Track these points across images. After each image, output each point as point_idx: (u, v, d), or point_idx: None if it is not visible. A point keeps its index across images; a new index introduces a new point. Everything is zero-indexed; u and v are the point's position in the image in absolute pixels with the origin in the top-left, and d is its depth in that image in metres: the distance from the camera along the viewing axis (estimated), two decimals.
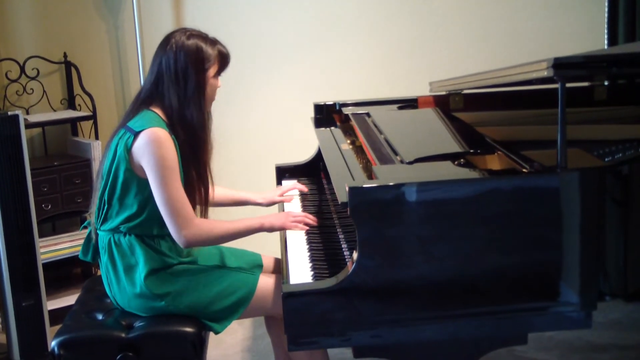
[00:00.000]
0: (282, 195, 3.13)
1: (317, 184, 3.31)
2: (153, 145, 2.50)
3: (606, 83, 3.30)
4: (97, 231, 2.69)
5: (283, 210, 3.07)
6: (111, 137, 2.64)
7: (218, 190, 2.95)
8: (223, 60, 2.67)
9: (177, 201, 2.52)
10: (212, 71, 2.63)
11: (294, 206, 3.08)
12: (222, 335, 2.97)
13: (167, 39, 2.63)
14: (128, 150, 2.54)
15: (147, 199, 2.57)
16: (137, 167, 2.55)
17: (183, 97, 2.59)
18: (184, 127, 2.60)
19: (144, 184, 2.56)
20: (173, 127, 2.59)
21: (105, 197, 2.62)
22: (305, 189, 3.16)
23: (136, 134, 2.53)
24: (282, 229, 2.75)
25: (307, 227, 2.75)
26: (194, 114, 2.60)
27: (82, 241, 2.79)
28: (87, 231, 2.77)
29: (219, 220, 2.66)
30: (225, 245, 2.92)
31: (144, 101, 2.65)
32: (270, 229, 2.73)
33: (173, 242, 2.65)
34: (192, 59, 2.59)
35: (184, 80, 2.59)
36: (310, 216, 2.77)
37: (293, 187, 3.17)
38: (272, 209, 3.17)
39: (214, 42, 2.66)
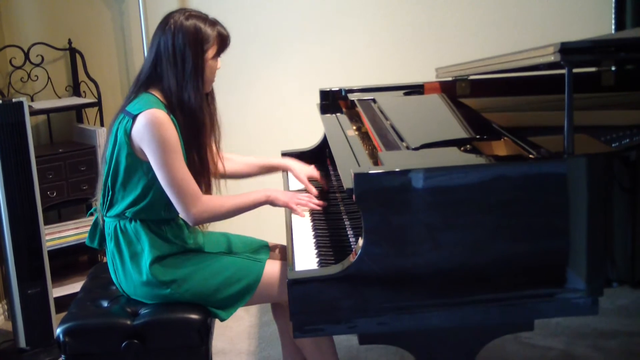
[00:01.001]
0: (309, 177, 3.02)
1: (323, 170, 3.30)
2: (152, 127, 2.49)
3: (613, 68, 3.28)
4: (104, 217, 2.68)
5: (288, 188, 3.06)
6: (112, 122, 2.64)
7: (239, 159, 2.94)
8: (222, 41, 2.64)
9: (182, 180, 2.52)
10: (210, 52, 2.61)
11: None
12: (228, 322, 2.96)
13: (166, 20, 2.61)
14: (128, 134, 2.53)
15: (150, 182, 2.57)
16: (138, 150, 2.54)
17: (181, 79, 2.57)
18: (182, 109, 2.59)
19: (146, 167, 2.55)
20: (172, 109, 2.58)
21: (109, 183, 2.61)
22: (325, 186, 3.07)
23: (134, 117, 2.52)
24: (285, 207, 2.75)
25: (303, 216, 2.73)
26: (191, 96, 2.58)
27: (87, 228, 2.79)
28: (93, 218, 2.77)
29: (225, 195, 2.66)
30: (232, 232, 2.92)
31: (143, 83, 2.64)
32: (273, 203, 2.73)
33: (179, 228, 2.65)
34: (191, 39, 2.56)
35: (182, 61, 2.57)
36: (315, 200, 2.76)
37: (319, 178, 3.06)
38: (277, 184, 3.15)
39: (213, 22, 2.63)
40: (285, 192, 2.77)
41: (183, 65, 2.57)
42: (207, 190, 2.68)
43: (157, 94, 2.60)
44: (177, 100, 2.58)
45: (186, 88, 2.57)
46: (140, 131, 2.50)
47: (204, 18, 2.62)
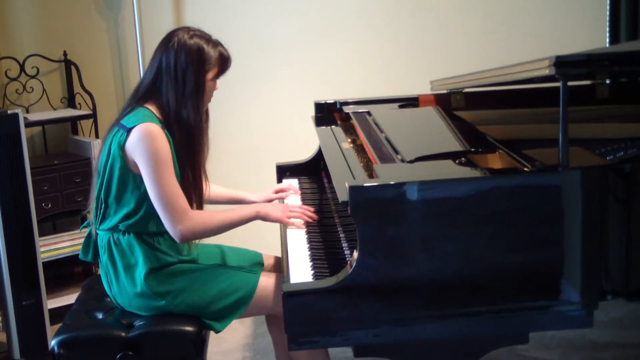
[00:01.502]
0: (276, 192, 3.10)
1: (318, 183, 3.31)
2: (145, 140, 2.49)
3: (608, 81, 3.30)
4: (97, 230, 2.68)
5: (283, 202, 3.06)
6: (106, 134, 2.64)
7: (213, 187, 2.94)
8: (223, 63, 2.65)
9: (171, 195, 2.51)
10: (211, 73, 2.62)
11: (295, 203, 3.07)
12: (223, 334, 2.96)
13: (170, 37, 2.62)
14: (122, 147, 2.53)
15: (143, 196, 2.56)
16: (131, 163, 2.54)
17: (181, 97, 2.58)
18: (180, 126, 2.59)
19: (139, 180, 2.55)
20: (169, 125, 2.58)
21: (102, 196, 2.61)
22: (298, 191, 3.13)
23: (129, 130, 2.52)
24: (277, 222, 2.74)
25: (303, 227, 2.74)
26: (190, 114, 2.58)
27: (82, 240, 2.79)
28: (87, 230, 2.77)
29: (214, 211, 2.65)
30: (226, 244, 2.92)
31: (141, 97, 2.64)
32: (264, 218, 2.72)
33: (172, 240, 2.64)
34: (193, 59, 2.57)
35: (183, 80, 2.57)
36: (309, 212, 2.76)
37: (288, 188, 3.14)
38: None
39: (216, 44, 2.64)
40: (274, 206, 2.77)
41: (184, 84, 2.57)
42: (198, 208, 2.68)
43: (153, 108, 2.60)
44: (175, 117, 2.58)
45: (185, 106, 2.58)
46: (133, 144, 2.51)
47: (207, 39, 2.62)
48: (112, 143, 2.56)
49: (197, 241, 2.74)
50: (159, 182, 2.50)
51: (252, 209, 2.70)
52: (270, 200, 3.07)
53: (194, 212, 2.60)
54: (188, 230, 2.55)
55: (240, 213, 2.67)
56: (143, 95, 2.64)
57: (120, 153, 2.54)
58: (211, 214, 2.63)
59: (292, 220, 2.73)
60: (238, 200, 3.07)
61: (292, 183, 3.33)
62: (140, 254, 2.58)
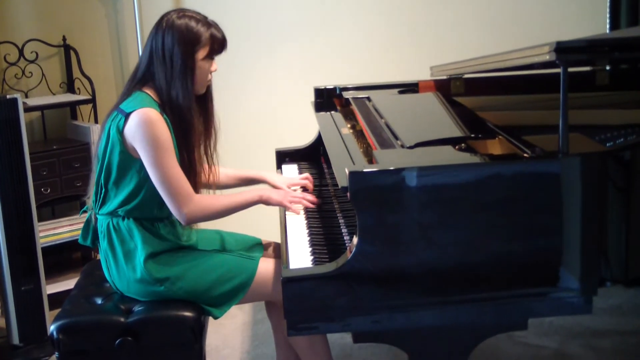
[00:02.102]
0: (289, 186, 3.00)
1: (318, 169, 3.30)
2: (144, 126, 2.48)
3: (608, 68, 3.29)
4: (96, 215, 2.68)
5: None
6: (105, 119, 2.63)
7: (224, 170, 2.94)
8: (215, 43, 2.62)
9: (174, 179, 2.51)
10: (201, 53, 2.59)
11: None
12: (222, 320, 2.97)
13: (161, 19, 2.61)
14: (120, 132, 2.53)
15: (143, 180, 2.56)
16: (130, 148, 2.54)
17: (170, 78, 2.57)
18: (171, 108, 2.58)
19: (139, 165, 2.55)
20: (164, 107, 2.58)
21: (102, 181, 2.61)
22: (311, 186, 3.04)
23: (127, 115, 2.52)
24: (278, 205, 2.74)
25: (299, 213, 2.73)
26: (179, 95, 2.57)
27: (81, 225, 2.79)
28: (86, 216, 2.76)
29: (218, 195, 2.66)
30: (226, 229, 2.92)
31: (138, 81, 2.63)
32: (267, 202, 2.72)
33: (172, 226, 2.65)
34: (180, 38, 2.55)
35: (170, 60, 2.56)
36: (309, 197, 2.76)
37: (304, 179, 3.04)
38: None
39: (208, 24, 2.61)
40: (278, 191, 2.77)
41: (172, 64, 2.56)
42: (195, 191, 2.67)
43: (151, 92, 2.60)
44: (167, 99, 2.58)
45: (174, 86, 2.57)
46: (132, 129, 2.50)
47: (198, 19, 2.60)
48: (111, 128, 2.56)
49: (196, 226, 2.74)
50: (161, 168, 2.50)
51: (255, 193, 2.70)
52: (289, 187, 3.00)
53: (199, 195, 2.61)
54: (193, 213, 2.55)
55: (244, 197, 2.68)
56: (140, 79, 2.63)
57: (119, 138, 2.53)
58: (216, 197, 2.64)
59: (292, 205, 2.72)
60: (252, 180, 3.05)
61: (292, 168, 3.33)
62: (140, 239, 2.58)
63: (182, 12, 2.60)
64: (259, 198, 2.70)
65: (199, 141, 2.68)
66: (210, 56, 2.62)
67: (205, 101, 2.73)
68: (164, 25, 2.57)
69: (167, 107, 2.57)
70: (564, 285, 2.20)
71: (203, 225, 2.77)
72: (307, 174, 3.04)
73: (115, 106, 2.61)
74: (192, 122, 2.61)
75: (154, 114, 2.50)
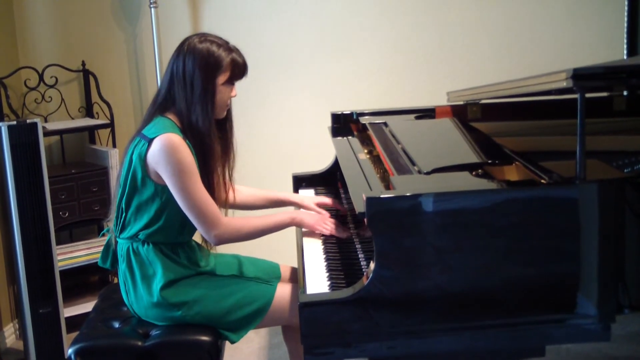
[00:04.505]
0: (317, 204, 3.01)
1: (334, 193, 3.31)
2: (167, 151, 2.49)
3: (625, 93, 3.28)
4: (117, 239, 2.69)
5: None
6: (127, 145, 2.65)
7: (245, 191, 2.95)
8: (236, 68, 2.63)
9: (202, 202, 2.53)
10: (222, 78, 2.60)
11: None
12: (239, 344, 2.97)
13: (182, 43, 2.63)
14: (142, 157, 2.54)
15: (164, 206, 2.57)
16: (153, 173, 2.55)
17: (190, 101, 2.58)
18: (192, 132, 2.59)
19: (160, 190, 2.56)
20: (185, 132, 2.59)
21: (123, 205, 2.62)
22: (343, 210, 3.04)
23: (150, 141, 2.53)
24: (311, 229, 2.75)
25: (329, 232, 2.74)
26: (199, 119, 2.58)
27: (99, 249, 2.81)
28: (106, 239, 2.78)
29: (249, 217, 2.66)
30: (243, 254, 2.93)
31: (159, 106, 2.65)
32: (299, 225, 2.74)
33: (191, 251, 2.65)
34: (201, 63, 2.57)
35: (191, 84, 2.57)
36: (340, 229, 2.76)
37: (329, 204, 3.04)
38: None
39: (229, 49, 2.63)
40: (312, 214, 2.78)
41: (192, 88, 2.57)
42: None
43: (173, 117, 2.61)
44: (187, 123, 2.59)
45: (194, 111, 2.58)
46: (155, 155, 2.51)
47: (219, 44, 2.61)
48: (134, 153, 2.57)
49: (214, 250, 2.75)
50: (188, 192, 2.51)
51: (287, 215, 2.71)
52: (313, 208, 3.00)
53: (228, 217, 2.62)
54: (222, 235, 2.57)
55: (275, 219, 2.69)
56: (161, 103, 2.65)
57: (142, 164, 2.54)
58: (246, 219, 2.64)
59: (324, 229, 2.72)
60: (279, 202, 3.05)
61: (309, 193, 3.33)
62: (159, 266, 2.59)
63: (203, 37, 2.62)
64: (290, 220, 2.71)
65: (217, 165, 2.69)
66: (230, 81, 2.64)
67: (224, 125, 2.74)
68: (185, 49, 2.59)
69: (188, 131, 2.59)
70: (582, 312, 2.19)
71: (221, 250, 2.78)
72: (322, 200, 3.04)
73: (138, 132, 2.62)
74: (212, 146, 2.62)
75: (176, 139, 2.51)
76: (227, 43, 2.64)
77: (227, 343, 2.71)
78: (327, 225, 2.75)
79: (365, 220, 2.13)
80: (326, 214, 2.86)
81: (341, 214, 2.99)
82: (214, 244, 2.60)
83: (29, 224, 3.54)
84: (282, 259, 3.08)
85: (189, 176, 2.50)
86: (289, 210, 2.77)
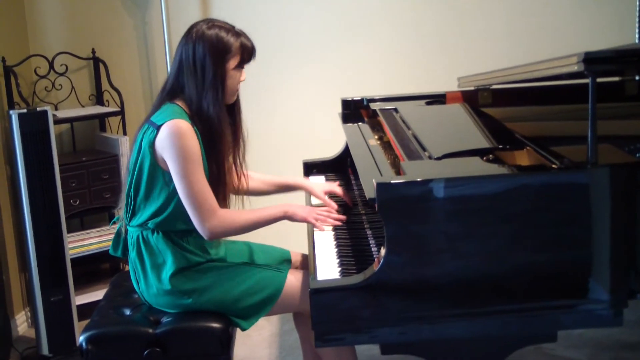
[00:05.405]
0: (325, 193, 2.97)
1: (345, 180, 3.30)
2: (174, 137, 2.49)
3: (637, 77, 3.27)
4: (127, 227, 2.69)
5: (310, 203, 3.05)
6: (136, 132, 2.64)
7: (261, 176, 2.95)
8: (245, 52, 2.62)
9: (200, 193, 2.52)
10: (232, 63, 2.59)
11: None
12: (249, 331, 2.96)
13: (190, 29, 2.62)
14: (151, 144, 2.54)
15: (172, 193, 2.57)
16: (160, 160, 2.55)
17: (201, 88, 2.57)
18: (202, 118, 2.58)
19: (168, 178, 2.55)
20: (193, 118, 2.58)
21: (132, 192, 2.62)
22: (349, 201, 3.01)
23: (158, 128, 2.53)
24: (303, 221, 2.73)
25: (324, 229, 2.71)
26: (210, 106, 2.57)
27: (110, 237, 2.81)
28: (116, 227, 2.78)
29: (242, 210, 2.65)
30: (254, 241, 2.92)
31: (168, 93, 2.64)
32: (291, 218, 2.71)
33: (201, 239, 2.65)
34: (211, 49, 2.56)
35: (202, 70, 2.56)
36: (335, 215, 2.74)
37: (338, 193, 3.00)
38: (299, 199, 3.14)
39: (237, 33, 2.62)
40: (303, 207, 2.75)
41: (203, 75, 2.56)
42: (223, 203, 2.66)
43: (182, 104, 2.61)
44: (197, 109, 2.58)
45: (205, 97, 2.57)
46: (162, 141, 2.51)
47: (227, 28, 2.61)
48: (143, 141, 2.57)
49: (224, 239, 2.74)
50: (188, 180, 2.50)
51: (279, 209, 2.69)
52: (327, 194, 2.96)
53: (223, 210, 2.60)
54: (216, 228, 2.55)
55: (268, 212, 2.67)
56: (170, 90, 2.64)
57: (150, 150, 2.54)
58: (239, 213, 2.63)
59: (317, 222, 2.70)
60: (289, 187, 3.04)
61: (319, 179, 3.33)
62: (169, 254, 2.59)
63: (211, 23, 2.61)
64: (283, 214, 2.69)
65: (228, 151, 2.68)
66: (240, 65, 2.63)
67: (233, 111, 2.73)
68: (193, 36, 2.58)
69: (197, 117, 2.58)
70: (593, 297, 2.19)
71: (232, 237, 2.77)
72: (334, 184, 3.03)
73: (146, 119, 2.62)
74: (222, 132, 2.61)
75: (184, 125, 2.51)
76: (233, 27, 2.64)
77: (238, 330, 2.71)
78: (319, 215, 2.72)
79: (376, 206, 2.13)
80: (334, 205, 2.84)
81: (347, 205, 2.97)
82: (206, 237, 2.57)
83: (39, 212, 3.55)
84: (293, 245, 3.08)
85: (192, 164, 2.50)
86: (282, 203, 2.75)
